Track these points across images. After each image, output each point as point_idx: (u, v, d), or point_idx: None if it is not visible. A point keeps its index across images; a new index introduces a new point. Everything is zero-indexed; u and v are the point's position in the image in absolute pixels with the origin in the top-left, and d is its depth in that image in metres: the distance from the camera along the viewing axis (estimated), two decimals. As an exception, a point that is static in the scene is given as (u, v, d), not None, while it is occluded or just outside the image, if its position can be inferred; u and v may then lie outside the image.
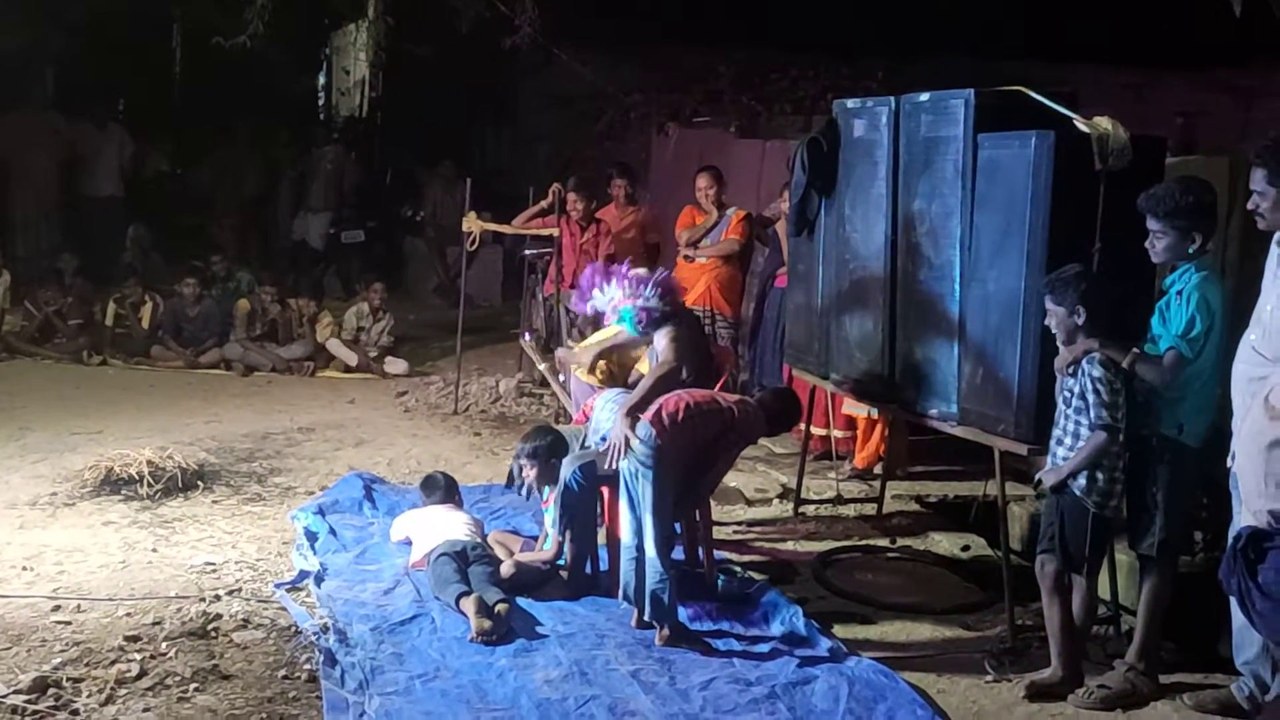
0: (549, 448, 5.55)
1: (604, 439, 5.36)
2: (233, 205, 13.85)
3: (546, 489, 5.70)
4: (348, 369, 10.09)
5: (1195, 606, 4.79)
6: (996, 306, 5.00)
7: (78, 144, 12.81)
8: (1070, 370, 4.46)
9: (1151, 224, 4.37)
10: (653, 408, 5.02)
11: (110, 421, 8.03)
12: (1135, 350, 4.33)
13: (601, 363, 6.09)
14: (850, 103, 6.04)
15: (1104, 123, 4.71)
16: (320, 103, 19.72)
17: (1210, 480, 4.66)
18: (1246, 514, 3.95)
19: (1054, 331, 4.50)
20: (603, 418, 5.45)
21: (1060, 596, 4.57)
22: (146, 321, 10.31)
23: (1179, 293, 4.31)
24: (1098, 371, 4.36)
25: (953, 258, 5.24)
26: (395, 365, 10.17)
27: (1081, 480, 4.45)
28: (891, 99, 5.63)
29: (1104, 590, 5.24)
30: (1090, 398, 4.38)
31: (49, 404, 8.49)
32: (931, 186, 5.35)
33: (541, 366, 7.64)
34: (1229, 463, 4.11)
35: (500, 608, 4.91)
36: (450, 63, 13.98)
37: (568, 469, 5.31)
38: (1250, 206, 4.07)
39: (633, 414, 5.07)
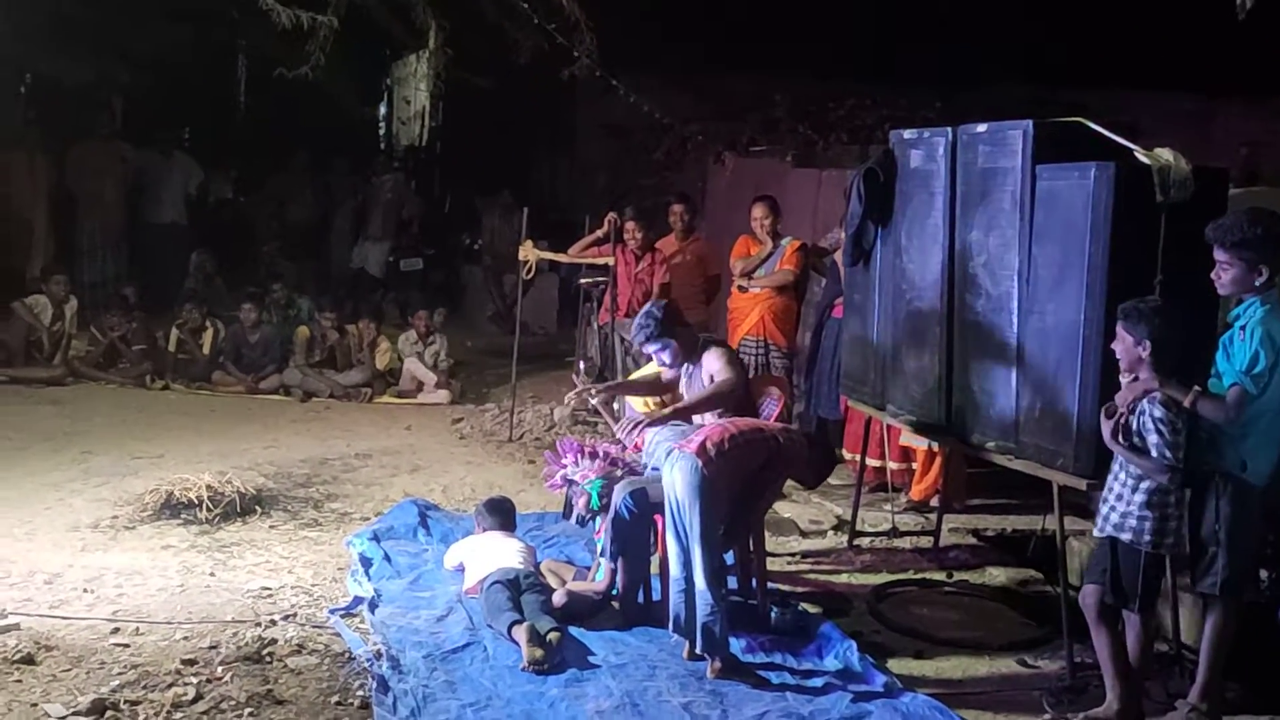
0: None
1: (656, 469, 5.36)
2: (290, 233, 14.04)
3: (599, 519, 5.70)
4: (401, 395, 10.16)
5: (1262, 646, 4.70)
6: (1055, 339, 4.95)
7: (144, 173, 13.05)
8: (1130, 407, 4.39)
9: (1219, 254, 4.31)
10: (697, 438, 5.02)
11: (171, 446, 8.14)
12: (1196, 389, 4.26)
13: (652, 398, 6.15)
14: (907, 133, 6.02)
15: (1165, 154, 4.65)
16: (381, 132, 19.98)
17: (1277, 517, 4.58)
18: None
19: (1117, 356, 4.43)
20: (658, 451, 5.47)
21: (1106, 626, 4.50)
22: (208, 347, 10.45)
23: (1243, 327, 4.24)
24: (1159, 412, 4.29)
25: (1011, 289, 5.19)
26: (435, 395, 10.17)
27: (1133, 521, 4.38)
28: (948, 129, 5.60)
29: (1167, 629, 5.15)
30: (1150, 438, 4.30)
31: (112, 428, 8.62)
32: (989, 218, 5.31)
33: (594, 401, 7.66)
34: (1296, 500, 4.04)
35: (552, 636, 4.91)
36: (509, 93, 14.12)
37: (619, 496, 5.30)
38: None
39: (670, 416, 5.38)
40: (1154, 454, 4.30)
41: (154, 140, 13.42)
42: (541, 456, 8.22)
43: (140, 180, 13.04)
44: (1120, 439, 4.38)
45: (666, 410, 5.60)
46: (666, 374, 5.86)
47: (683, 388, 5.73)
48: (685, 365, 5.69)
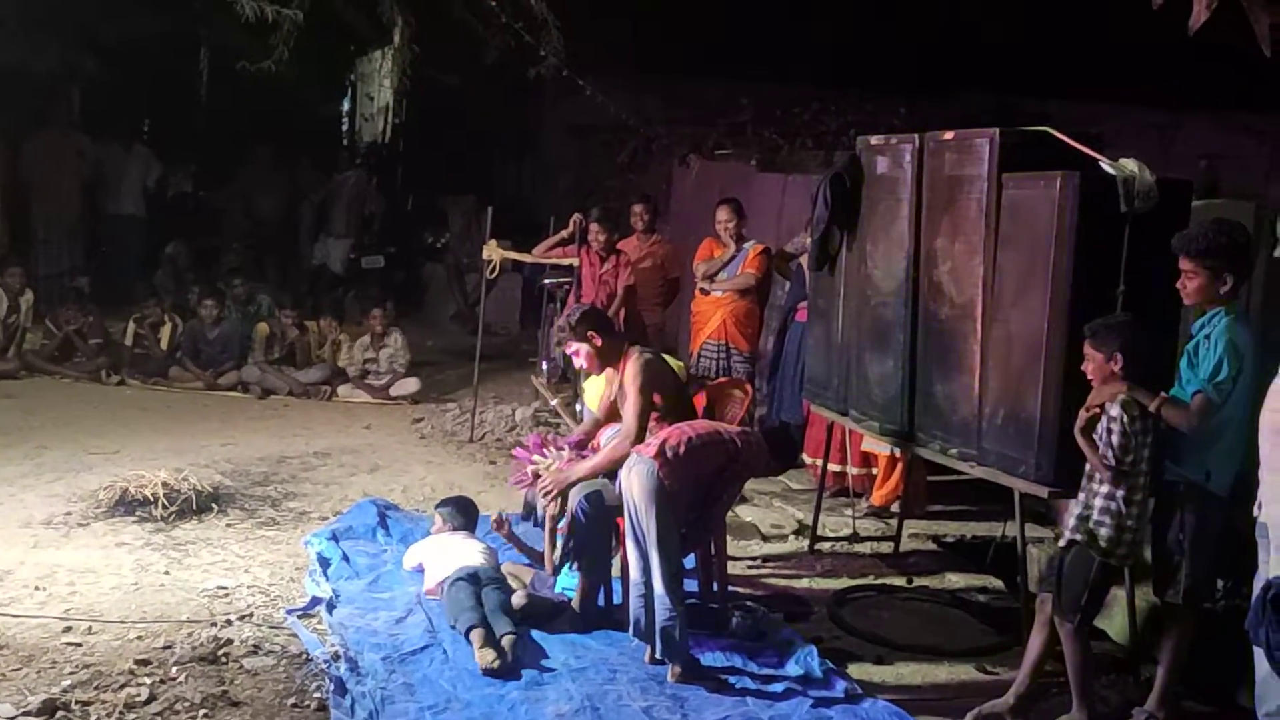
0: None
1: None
2: (253, 228, 13.92)
3: (563, 520, 5.67)
4: (368, 387, 10.11)
5: (1214, 654, 4.74)
6: (1019, 347, 4.97)
7: (102, 164, 12.89)
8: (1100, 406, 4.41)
9: (1184, 264, 4.35)
10: (655, 441, 4.99)
11: (127, 442, 8.04)
12: (1163, 395, 4.30)
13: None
14: (874, 139, 6.04)
15: (1130, 164, 4.68)
16: (344, 128, 19.84)
17: (1232, 527, 4.62)
18: (1276, 563, 3.90)
19: (1089, 376, 4.46)
20: None
21: (1046, 633, 4.56)
22: (166, 342, 10.33)
23: (1207, 336, 4.28)
24: (1115, 411, 4.33)
25: (975, 297, 5.21)
26: (405, 385, 10.14)
27: (1089, 525, 4.41)
28: (915, 136, 5.62)
29: (1123, 636, 5.19)
30: (1102, 437, 4.34)
31: (66, 423, 8.50)
32: (954, 225, 5.33)
33: (554, 401, 7.64)
34: (1255, 511, 4.06)
35: (506, 640, 4.88)
36: (474, 91, 14.05)
37: (574, 499, 5.27)
38: (1277, 254, 4.03)
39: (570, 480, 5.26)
40: (1100, 450, 4.34)
41: (113, 132, 13.26)
42: (503, 457, 8.24)
43: (99, 172, 12.88)
44: (1081, 435, 4.41)
45: (575, 473, 5.37)
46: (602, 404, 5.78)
47: (611, 395, 5.63)
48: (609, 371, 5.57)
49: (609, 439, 5.47)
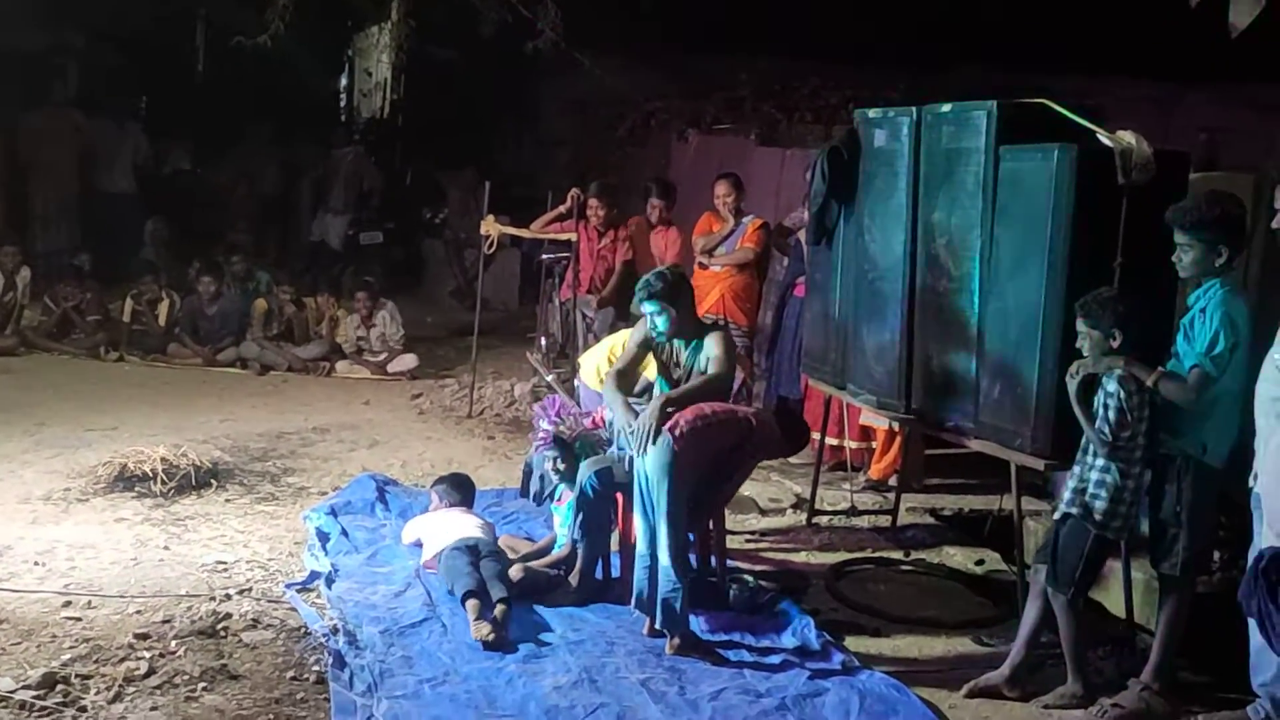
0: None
1: (622, 448, 5.35)
2: (251, 205, 13.89)
3: (560, 488, 5.70)
4: (367, 364, 10.12)
5: (1210, 626, 4.75)
6: (1016, 320, 4.97)
7: (97, 141, 12.85)
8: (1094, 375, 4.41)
9: (1179, 237, 4.34)
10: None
11: (125, 418, 8.04)
12: (1160, 369, 4.29)
13: (607, 367, 6.11)
14: (871, 112, 6.02)
15: (1127, 137, 4.67)
16: (341, 104, 19.77)
17: (1228, 499, 4.63)
18: (1269, 534, 3.92)
19: (1085, 354, 4.45)
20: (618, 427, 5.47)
21: (1040, 604, 4.60)
22: (164, 319, 10.33)
23: (1203, 310, 4.27)
24: (1112, 386, 4.34)
25: (972, 270, 5.21)
26: (403, 361, 10.14)
27: (1085, 498, 4.42)
28: (913, 109, 5.60)
29: (1119, 608, 5.21)
30: (1099, 410, 4.35)
31: (65, 399, 8.50)
32: (952, 198, 5.32)
33: (549, 378, 7.64)
34: (1251, 482, 4.08)
35: (499, 609, 4.90)
36: (472, 66, 13.99)
37: (584, 474, 5.29)
38: (1275, 225, 4.03)
39: (669, 405, 5.02)
40: (1097, 424, 4.35)
41: (109, 109, 13.22)
42: (502, 433, 8.26)
43: (93, 149, 12.84)
44: (1080, 404, 4.41)
45: (666, 397, 5.20)
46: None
47: (668, 363, 5.51)
48: (675, 341, 5.40)
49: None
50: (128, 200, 13.00)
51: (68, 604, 4.95)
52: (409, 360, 10.14)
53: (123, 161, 12.98)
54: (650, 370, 5.63)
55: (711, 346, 5.26)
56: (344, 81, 19.89)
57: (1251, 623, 3.99)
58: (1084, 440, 4.49)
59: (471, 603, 4.93)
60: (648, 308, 5.32)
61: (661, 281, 5.29)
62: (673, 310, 5.27)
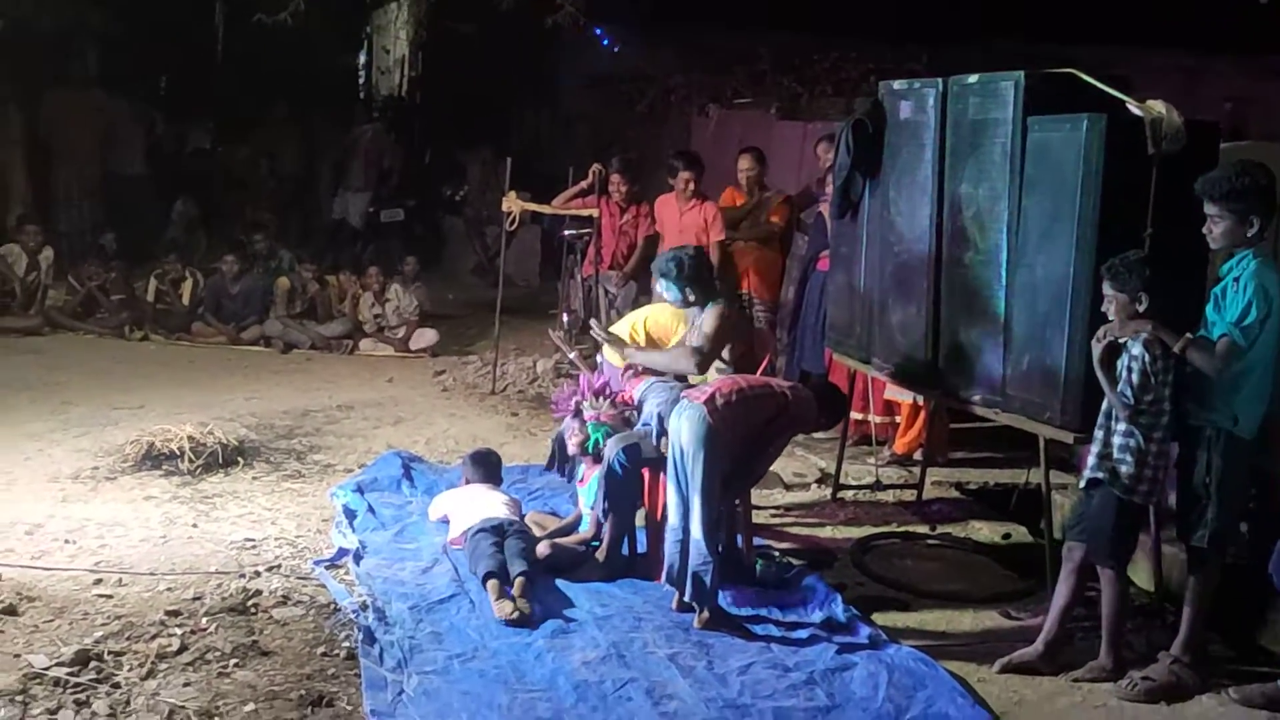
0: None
1: (646, 424, 5.36)
2: (272, 183, 13.91)
3: (581, 467, 5.70)
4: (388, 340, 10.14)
5: (1240, 599, 4.73)
6: (1044, 292, 4.93)
7: (118, 122, 12.88)
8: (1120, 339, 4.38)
9: (1209, 208, 4.29)
10: (708, 389, 5.01)
11: (151, 397, 8.08)
12: (1188, 335, 4.25)
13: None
14: (897, 84, 5.96)
15: (1158, 106, 4.62)
16: (360, 81, 19.73)
17: (1257, 471, 4.60)
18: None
19: (1111, 318, 4.41)
20: (647, 406, 5.48)
21: (1074, 580, 4.58)
22: (187, 298, 10.37)
23: (1235, 279, 4.22)
24: (1137, 350, 4.30)
25: (1000, 242, 5.16)
26: (423, 337, 10.15)
27: (1110, 464, 4.40)
28: (939, 80, 5.54)
29: (1148, 582, 5.19)
30: (1123, 375, 4.32)
31: (91, 378, 8.55)
32: (979, 170, 5.27)
33: (571, 355, 7.63)
34: (1285, 454, 4.05)
35: (518, 582, 4.92)
36: (490, 42, 13.93)
37: (612, 450, 5.29)
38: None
39: (628, 368, 5.54)
40: (1120, 388, 4.32)
41: (128, 88, 13.23)
42: (526, 409, 8.26)
43: (115, 130, 12.87)
44: (1103, 368, 4.39)
45: (637, 356, 5.77)
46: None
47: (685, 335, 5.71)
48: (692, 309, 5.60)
49: (649, 383, 5.54)
50: (140, 182, 13.03)
51: (99, 581, 5.00)
52: (429, 335, 10.15)
53: (135, 144, 13.00)
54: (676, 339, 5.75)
55: (705, 319, 5.45)
56: (363, 59, 19.84)
57: (1283, 595, 3.97)
58: (1106, 405, 4.45)
59: (492, 583, 4.93)
60: (662, 285, 5.58)
61: (675, 265, 5.47)
62: (686, 288, 5.47)
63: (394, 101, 18.24)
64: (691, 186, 8.26)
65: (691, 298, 5.50)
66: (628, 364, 5.74)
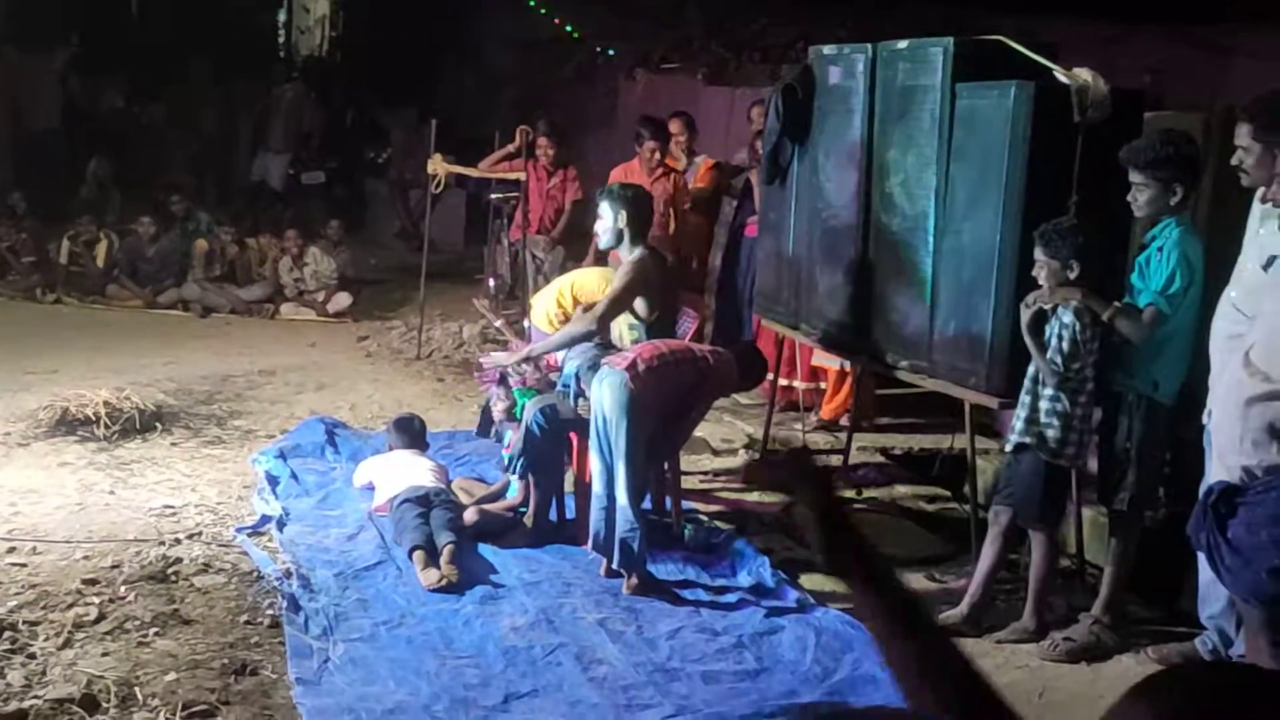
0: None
1: (565, 385, 5.33)
2: (189, 143, 13.60)
3: (509, 434, 5.66)
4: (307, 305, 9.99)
5: (1158, 561, 4.83)
6: (970, 259, 4.96)
7: (32, 78, 12.50)
8: (1049, 306, 4.42)
9: (1134, 176, 4.34)
10: (629, 354, 4.97)
11: (65, 361, 7.88)
12: (1116, 304, 4.31)
13: (557, 309, 6.11)
14: (826, 49, 5.95)
15: (1084, 74, 4.65)
16: (280, 40, 19.36)
17: (1174, 437, 4.68)
18: (1219, 469, 3.96)
19: (1041, 284, 4.45)
20: (568, 366, 5.44)
21: (999, 544, 4.63)
22: (102, 260, 10.11)
23: (1159, 248, 4.28)
24: (1068, 318, 4.34)
25: (927, 209, 5.18)
26: (338, 300, 10.01)
27: (1036, 428, 4.45)
28: (868, 46, 5.53)
29: (1068, 545, 5.27)
30: (1052, 342, 4.37)
31: (2, 342, 8.30)
32: (907, 136, 5.28)
33: (497, 322, 7.58)
34: (1204, 419, 4.12)
35: (446, 550, 4.88)
36: (413, 1, 13.72)
37: (529, 412, 5.25)
38: (1234, 162, 4.03)
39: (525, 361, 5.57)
40: (1049, 354, 4.37)
41: (38, 45, 12.83)
42: (452, 375, 8.18)
43: (26, 86, 12.49)
44: (1031, 333, 4.43)
45: (519, 355, 5.67)
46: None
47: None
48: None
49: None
50: (53, 140, 12.67)
51: (12, 550, 4.87)
52: (343, 299, 10.00)
53: (48, 101, 12.63)
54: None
55: (620, 272, 5.39)
56: (282, 17, 19.46)
57: (1200, 556, 4.05)
58: (1032, 369, 4.50)
59: (418, 554, 4.89)
60: (603, 205, 5.44)
61: (624, 190, 5.48)
62: (623, 212, 5.33)
63: (315, 61, 17.95)
64: (657, 156, 8.07)
65: (622, 226, 5.33)
66: (525, 358, 5.65)
